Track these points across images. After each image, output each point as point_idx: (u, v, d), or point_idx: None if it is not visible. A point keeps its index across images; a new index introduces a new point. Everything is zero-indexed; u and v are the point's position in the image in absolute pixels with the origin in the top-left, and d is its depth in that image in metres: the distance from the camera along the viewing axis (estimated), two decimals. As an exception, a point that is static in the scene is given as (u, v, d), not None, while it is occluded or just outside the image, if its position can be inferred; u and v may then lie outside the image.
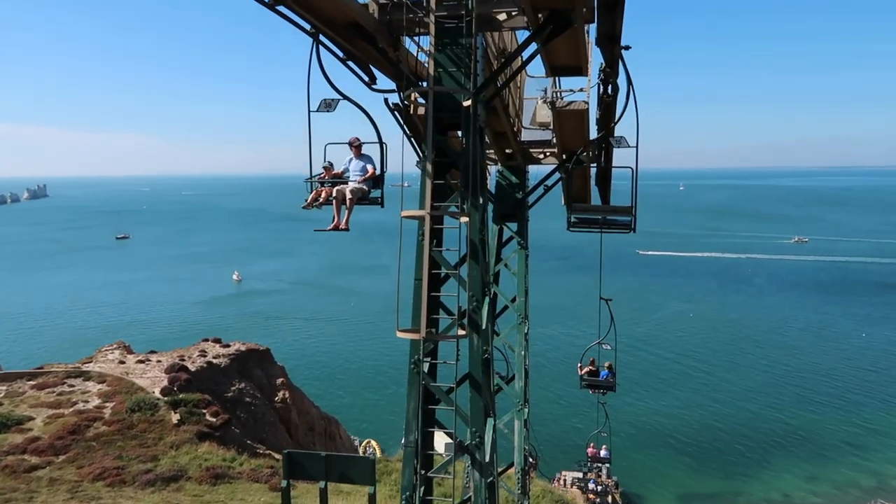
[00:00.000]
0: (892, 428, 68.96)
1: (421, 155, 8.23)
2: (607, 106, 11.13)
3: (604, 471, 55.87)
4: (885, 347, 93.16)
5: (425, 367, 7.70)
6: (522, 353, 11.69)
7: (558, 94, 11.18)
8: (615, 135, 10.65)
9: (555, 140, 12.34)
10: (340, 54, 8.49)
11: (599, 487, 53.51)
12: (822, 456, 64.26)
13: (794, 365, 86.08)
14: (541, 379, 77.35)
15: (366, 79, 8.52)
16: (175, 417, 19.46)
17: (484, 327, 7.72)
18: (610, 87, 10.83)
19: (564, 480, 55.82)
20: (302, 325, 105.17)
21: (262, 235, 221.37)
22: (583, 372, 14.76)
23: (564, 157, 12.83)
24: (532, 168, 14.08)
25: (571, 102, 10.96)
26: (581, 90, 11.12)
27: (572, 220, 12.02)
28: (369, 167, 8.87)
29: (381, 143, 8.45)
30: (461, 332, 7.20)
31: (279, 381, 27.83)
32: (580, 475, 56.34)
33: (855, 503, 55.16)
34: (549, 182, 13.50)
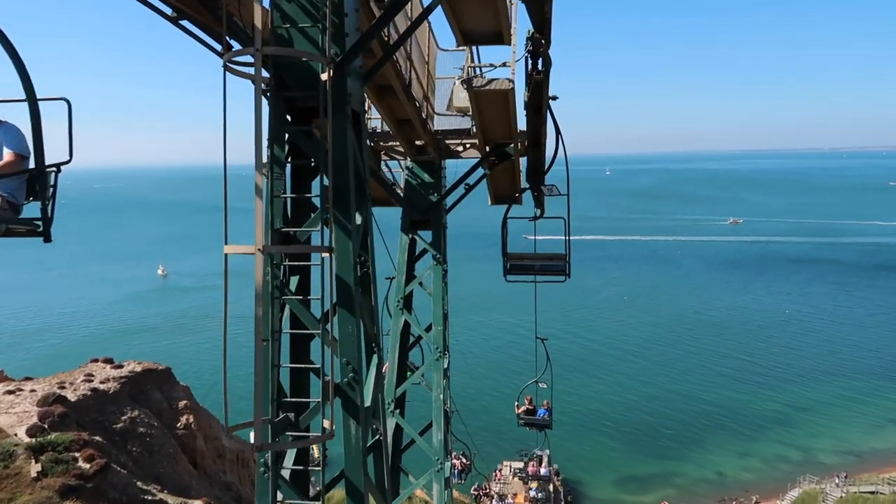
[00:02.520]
0: (814, 403, 71.36)
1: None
2: (537, 86, 8.72)
3: (545, 459, 55.31)
4: (804, 324, 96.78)
5: (286, 473, 5.18)
6: (440, 395, 9.26)
7: (476, 70, 8.70)
8: (545, 183, 10.04)
9: (475, 129, 9.90)
10: (169, 11, 5.76)
11: (541, 492, 52.70)
12: (751, 432, 65.81)
13: (723, 345, 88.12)
14: (471, 367, 76.20)
15: (217, 47, 5.83)
16: (35, 468, 16.01)
17: (368, 404, 5.27)
18: (541, 61, 8.41)
19: (506, 469, 54.78)
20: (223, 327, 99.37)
21: (188, 229, 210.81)
22: (520, 411, 15.23)
23: (488, 149, 10.44)
24: (451, 163, 11.62)
25: (492, 81, 8.50)
26: (504, 65, 8.67)
27: (508, 266, 11.03)
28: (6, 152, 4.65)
29: (32, 99, 4.14)
30: (325, 425, 4.66)
31: (182, 403, 24.50)
32: (521, 465, 55.54)
33: (783, 478, 56.51)
34: (470, 180, 11.08)
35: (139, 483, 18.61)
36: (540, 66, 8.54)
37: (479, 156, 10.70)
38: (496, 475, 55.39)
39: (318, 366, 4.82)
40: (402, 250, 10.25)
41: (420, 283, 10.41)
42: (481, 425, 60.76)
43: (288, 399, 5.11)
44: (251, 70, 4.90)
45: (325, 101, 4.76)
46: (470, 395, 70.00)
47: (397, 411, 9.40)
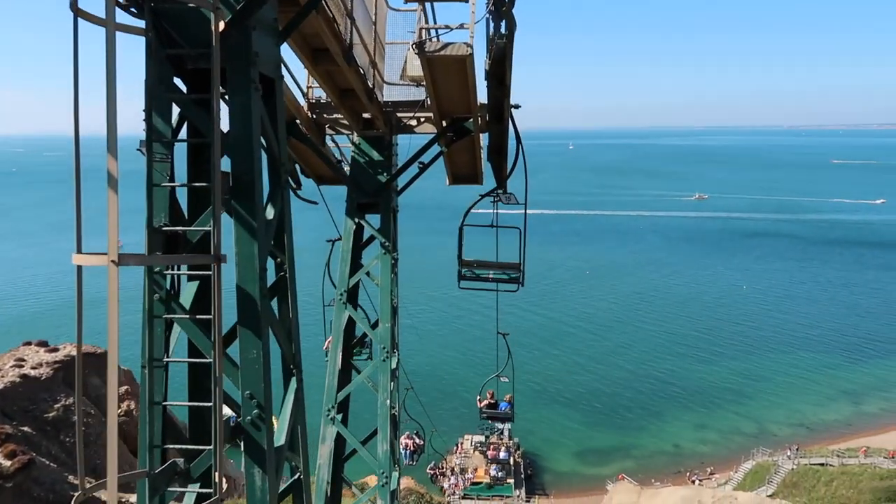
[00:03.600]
0: (768, 376, 73.18)
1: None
2: (500, 52, 7.59)
3: (505, 433, 55.48)
4: (760, 299, 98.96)
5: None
6: (387, 399, 8.19)
7: (430, 32, 7.52)
8: (506, 189, 9.78)
9: (429, 101, 8.74)
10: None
11: (502, 454, 52.70)
12: (707, 405, 67.26)
13: (682, 319, 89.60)
14: (429, 342, 75.70)
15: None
16: (-53, 467, 14.58)
17: (281, 442, 4.20)
18: (503, 23, 7.28)
19: (466, 443, 54.74)
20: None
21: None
22: (482, 405, 15.30)
23: (444, 123, 9.30)
24: (404, 139, 10.44)
25: (448, 45, 7.33)
26: (462, 27, 7.50)
27: (463, 272, 10.55)
28: None
29: None
30: (216, 479, 3.56)
31: (122, 389, 23.03)
32: (482, 439, 55.56)
33: (738, 450, 57.92)
34: (425, 157, 9.93)
35: (71, 477, 17.28)
36: (503, 29, 7.40)
37: (435, 131, 9.56)
38: (457, 449, 55.33)
39: (209, 404, 3.72)
40: (347, 236, 9.03)
41: (367, 274, 9.27)
42: (441, 399, 60.48)
43: (180, 446, 4.01)
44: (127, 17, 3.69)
45: (216, 60, 3.58)
46: (429, 370, 69.65)
47: (339, 417, 8.37)
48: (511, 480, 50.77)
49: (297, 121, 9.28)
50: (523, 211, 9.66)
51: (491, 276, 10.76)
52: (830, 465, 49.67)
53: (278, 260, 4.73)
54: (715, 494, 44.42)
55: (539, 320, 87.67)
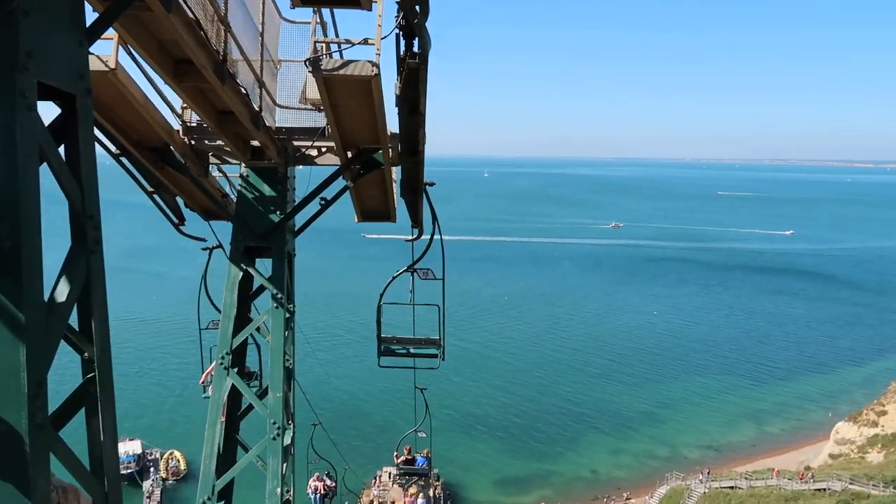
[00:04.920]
0: (677, 400, 75.72)
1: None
2: (412, 74, 6.39)
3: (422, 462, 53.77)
4: (668, 325, 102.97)
5: None
6: (278, 489, 6.62)
7: (327, 46, 6.23)
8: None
9: (329, 129, 7.40)
10: None
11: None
12: (622, 430, 68.45)
13: (595, 345, 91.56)
14: (342, 371, 73.01)
15: None
16: None
17: None
18: (416, 41, 6.08)
19: (385, 475, 52.47)
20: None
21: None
22: (399, 461, 15.44)
23: (350, 154, 7.99)
24: (304, 171, 9.04)
25: (349, 63, 6.06)
26: (367, 42, 6.26)
27: (382, 349, 10.45)
28: None
29: None
30: None
31: None
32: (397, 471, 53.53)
33: (652, 474, 59.04)
34: (328, 193, 8.55)
35: None
36: (415, 48, 6.20)
37: (339, 163, 8.23)
38: (375, 482, 53.03)
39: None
40: (231, 287, 7.35)
41: (258, 329, 7.67)
42: (353, 434, 57.94)
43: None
44: None
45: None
46: (341, 400, 66.99)
47: (222, 505, 6.71)
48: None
49: (171, 147, 7.72)
50: (441, 280, 9.64)
51: (411, 350, 10.80)
52: (739, 488, 51.25)
53: (84, 356, 3.23)
54: (632, 523, 44.56)
55: (457, 348, 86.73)
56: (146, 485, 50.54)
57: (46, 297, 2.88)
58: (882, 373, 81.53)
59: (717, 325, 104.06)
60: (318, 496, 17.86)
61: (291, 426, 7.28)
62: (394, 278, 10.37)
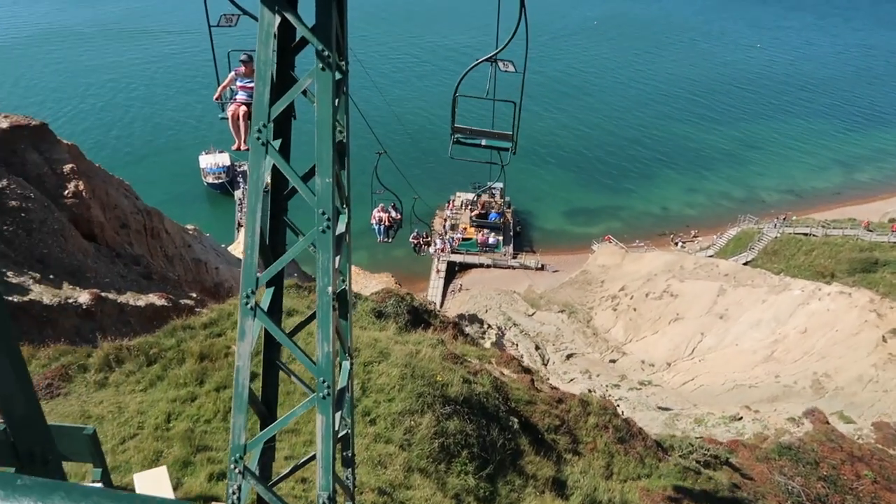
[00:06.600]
0: (765, 141, 71.92)
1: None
2: None
3: (496, 193, 55.23)
4: (770, 59, 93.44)
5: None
6: (329, 287, 5.18)
7: None
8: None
9: None
10: None
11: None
12: (700, 169, 66.80)
13: (686, 81, 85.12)
14: (416, 88, 71.22)
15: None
16: None
17: None
18: None
19: (458, 200, 54.92)
20: (115, 74, 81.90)
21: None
22: (473, 214, 12.73)
23: None
24: None
25: None
26: None
27: (455, 139, 10.82)
28: None
29: None
30: None
31: (68, 167, 19.72)
32: (472, 197, 55.53)
33: (725, 215, 58.68)
34: None
35: (10, 273, 15.38)
36: None
37: None
38: (449, 205, 55.48)
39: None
40: (265, 39, 4.58)
41: (304, 93, 5.09)
42: (423, 158, 58.31)
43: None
44: None
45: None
46: (421, 124, 66.70)
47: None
48: (500, 237, 51.74)
49: None
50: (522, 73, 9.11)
51: (483, 143, 11.02)
52: (814, 236, 50.83)
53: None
54: (697, 261, 45.70)
55: (534, 77, 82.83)
56: (237, 193, 54.53)
57: None
58: None
59: (825, 63, 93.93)
60: (381, 227, 17.64)
61: (346, 211, 5.85)
62: (471, 68, 9.86)
